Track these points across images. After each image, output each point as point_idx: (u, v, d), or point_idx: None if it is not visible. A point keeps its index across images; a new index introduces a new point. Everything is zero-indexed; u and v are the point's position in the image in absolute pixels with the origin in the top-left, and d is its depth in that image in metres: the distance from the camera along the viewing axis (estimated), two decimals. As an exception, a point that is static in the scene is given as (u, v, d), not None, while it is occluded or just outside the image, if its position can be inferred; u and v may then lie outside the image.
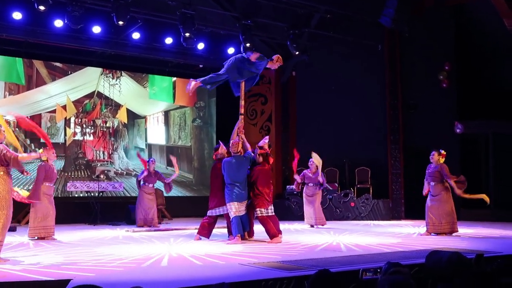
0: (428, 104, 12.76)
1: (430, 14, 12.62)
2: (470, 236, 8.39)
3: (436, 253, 3.16)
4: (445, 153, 8.65)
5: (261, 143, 7.74)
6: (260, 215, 7.37)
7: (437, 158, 8.61)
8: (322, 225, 10.28)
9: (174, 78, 14.16)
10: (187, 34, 10.93)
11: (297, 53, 12.12)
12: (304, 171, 10.66)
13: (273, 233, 7.36)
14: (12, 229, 9.28)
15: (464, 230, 9.21)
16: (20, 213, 10.97)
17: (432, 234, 8.43)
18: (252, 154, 7.65)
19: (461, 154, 12.36)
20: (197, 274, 4.77)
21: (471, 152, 12.57)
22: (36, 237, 7.95)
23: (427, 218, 8.53)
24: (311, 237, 8.25)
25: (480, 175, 12.58)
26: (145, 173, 10.53)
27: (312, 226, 10.34)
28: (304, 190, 10.64)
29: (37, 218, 7.95)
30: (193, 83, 8.17)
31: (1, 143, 5.68)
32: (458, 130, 12.16)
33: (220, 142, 8.14)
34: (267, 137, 8.25)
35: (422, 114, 12.84)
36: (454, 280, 2.87)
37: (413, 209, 12.59)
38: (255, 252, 6.26)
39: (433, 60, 12.70)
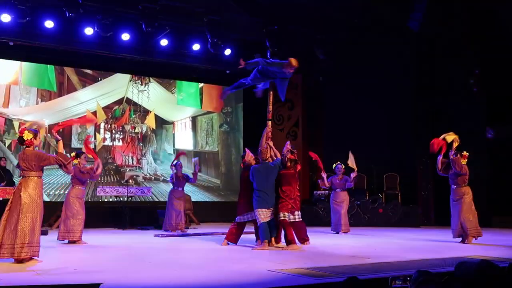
0: (458, 109, 12.54)
1: (458, 17, 12.42)
2: (503, 244, 8.19)
3: (466, 262, 3.10)
4: (467, 154, 8.41)
5: (285, 149, 7.71)
6: (282, 218, 7.34)
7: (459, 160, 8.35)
8: (346, 232, 10.19)
9: (202, 84, 14.29)
10: (214, 40, 11.03)
11: (323, 58, 12.08)
12: (330, 177, 10.55)
13: (291, 239, 7.33)
14: (43, 233, 9.47)
15: (496, 237, 9.00)
16: (52, 216, 11.20)
17: (458, 238, 8.28)
18: (280, 159, 7.65)
19: (492, 160, 12.10)
20: (224, 279, 4.78)
21: (502, 157, 12.28)
22: (67, 241, 8.09)
23: (453, 224, 8.34)
24: (339, 244, 8.19)
25: (512, 181, 12.28)
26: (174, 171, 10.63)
27: (337, 232, 10.26)
28: (331, 196, 10.55)
29: (68, 221, 8.09)
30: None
31: (36, 147, 5.95)
32: (489, 136, 11.92)
33: (246, 150, 8.16)
34: (288, 142, 8.18)
35: (452, 119, 12.62)
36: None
37: (443, 215, 12.36)
38: (283, 258, 6.24)
39: (462, 64, 12.49)
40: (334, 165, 10.49)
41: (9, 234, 5.58)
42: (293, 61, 7.38)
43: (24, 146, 5.87)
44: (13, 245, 5.55)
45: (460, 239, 8.26)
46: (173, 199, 10.51)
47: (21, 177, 5.86)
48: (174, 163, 10.77)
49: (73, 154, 8.34)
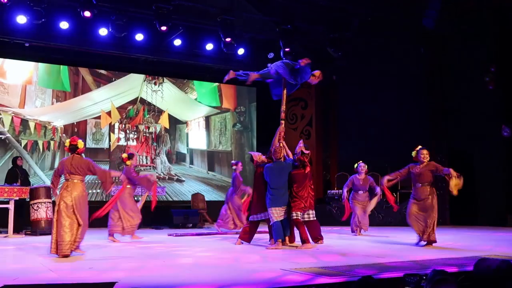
0: (473, 107, 12.40)
1: (473, 14, 12.28)
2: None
3: (484, 261, 3.07)
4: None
5: (298, 148, 7.69)
6: (295, 218, 7.32)
7: (428, 156, 7.75)
8: (365, 230, 10.01)
9: (215, 84, 14.31)
10: (227, 40, 11.04)
11: (336, 57, 12.03)
12: (351, 176, 10.22)
13: (305, 238, 7.30)
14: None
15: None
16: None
17: (422, 242, 7.59)
18: (292, 158, 7.65)
19: (508, 158, 11.95)
20: (238, 278, 4.78)
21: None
22: (130, 236, 8.60)
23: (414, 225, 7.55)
24: (353, 243, 8.15)
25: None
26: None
27: (353, 231, 10.07)
28: (351, 196, 9.96)
29: (128, 218, 8.54)
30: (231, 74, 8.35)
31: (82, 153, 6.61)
32: (505, 134, 11.76)
33: (251, 153, 8.24)
34: (301, 141, 8.12)
35: (467, 117, 12.49)
36: (503, 289, 2.78)
37: (458, 214, 12.26)
38: (296, 257, 6.22)
39: (477, 62, 12.32)
40: (356, 164, 10.10)
41: (66, 231, 6.12)
42: (317, 74, 7.98)
43: (72, 153, 6.47)
44: (69, 241, 6.12)
45: (425, 242, 7.55)
46: (238, 198, 10.37)
47: (65, 180, 6.36)
48: (235, 162, 10.71)
49: (124, 155, 8.91)
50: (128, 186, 8.66)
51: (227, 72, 13.64)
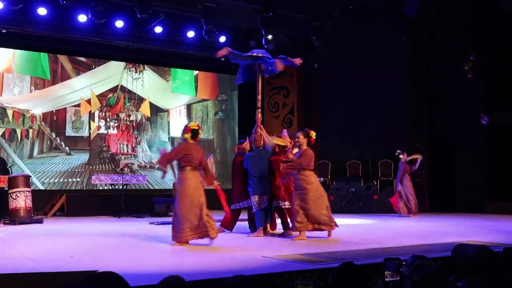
0: (454, 95, 12.53)
1: (455, 3, 12.37)
2: (497, 229, 8.24)
3: (462, 246, 3.12)
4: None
5: (282, 137, 7.70)
6: (276, 205, 7.35)
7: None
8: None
9: (196, 72, 14.22)
10: (209, 27, 10.95)
11: (319, 45, 12.02)
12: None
13: (287, 225, 7.34)
14: (39, 221, 9.50)
15: (490, 223, 9.06)
16: (46, 206, 11.22)
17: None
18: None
19: (488, 146, 12.13)
20: (220, 266, 4.79)
21: (499, 144, 12.29)
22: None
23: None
24: (334, 230, 8.20)
25: (509, 168, 12.30)
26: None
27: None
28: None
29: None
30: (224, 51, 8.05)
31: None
32: (484, 122, 11.92)
33: (248, 138, 8.18)
34: (285, 130, 8.15)
35: (447, 106, 12.63)
36: (481, 274, 2.83)
37: (438, 202, 12.43)
38: (278, 245, 6.26)
39: (459, 51, 12.43)
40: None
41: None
42: (280, 67, 7.71)
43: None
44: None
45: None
46: None
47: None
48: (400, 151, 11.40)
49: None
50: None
51: (208, 60, 13.67)
